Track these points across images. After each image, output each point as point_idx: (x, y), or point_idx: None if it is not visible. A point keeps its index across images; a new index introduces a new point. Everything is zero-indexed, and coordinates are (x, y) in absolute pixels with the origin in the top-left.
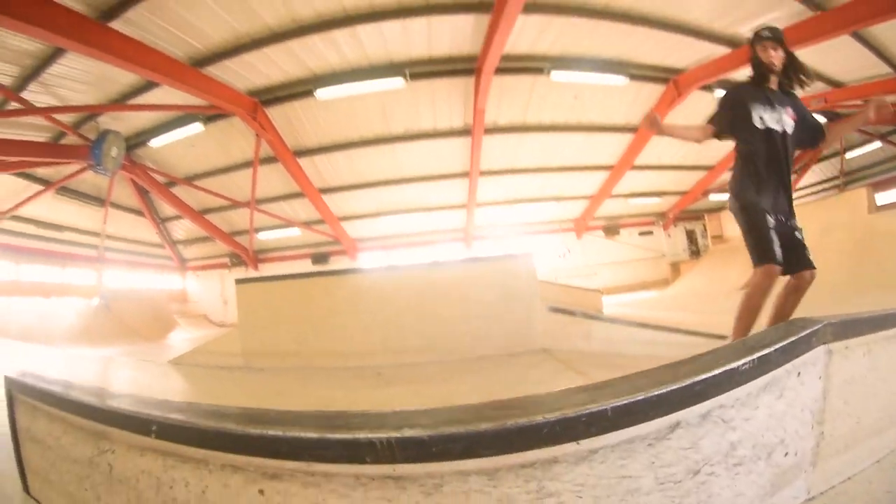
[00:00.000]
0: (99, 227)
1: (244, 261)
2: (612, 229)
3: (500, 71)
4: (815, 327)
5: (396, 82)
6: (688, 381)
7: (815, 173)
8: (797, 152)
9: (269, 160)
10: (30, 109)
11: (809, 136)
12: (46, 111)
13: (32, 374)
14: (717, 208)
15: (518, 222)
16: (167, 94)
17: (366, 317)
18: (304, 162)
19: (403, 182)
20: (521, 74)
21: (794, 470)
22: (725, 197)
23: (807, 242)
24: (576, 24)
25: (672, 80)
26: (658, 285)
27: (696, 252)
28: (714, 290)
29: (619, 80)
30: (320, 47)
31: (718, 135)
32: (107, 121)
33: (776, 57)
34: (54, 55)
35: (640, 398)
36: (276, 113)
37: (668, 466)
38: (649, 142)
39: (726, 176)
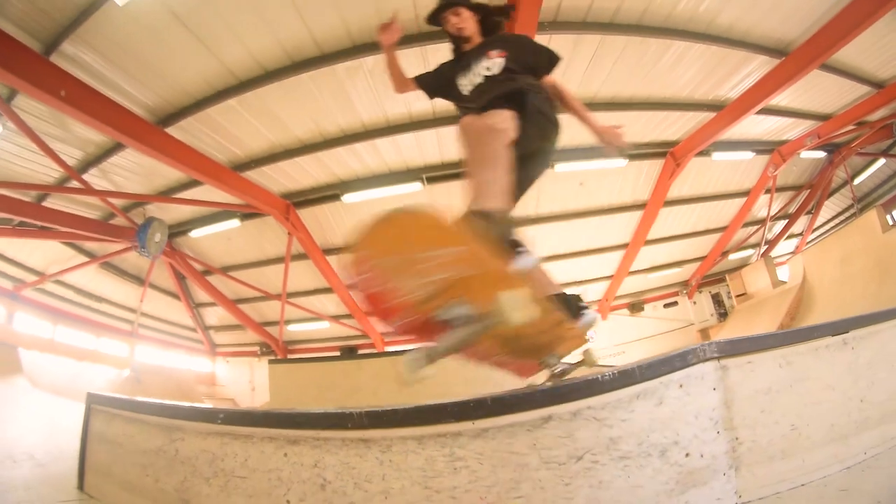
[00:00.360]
0: (136, 304)
1: (273, 350)
2: (636, 306)
3: None
4: (691, 349)
5: (415, 186)
6: (554, 386)
7: (829, 209)
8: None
9: (299, 256)
10: (88, 190)
11: (535, 57)
12: (102, 194)
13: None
14: (738, 266)
15: None
16: (209, 192)
17: (384, 395)
18: (332, 259)
19: None
20: None
21: (707, 471)
22: (744, 254)
23: (830, 276)
24: (568, 118)
25: (669, 152)
26: None
27: (724, 314)
28: None
29: (620, 163)
30: (344, 157)
31: (418, 87)
32: (153, 209)
33: (460, 21)
34: (115, 148)
35: (513, 393)
36: (306, 214)
37: (549, 449)
38: (659, 216)
39: (742, 234)
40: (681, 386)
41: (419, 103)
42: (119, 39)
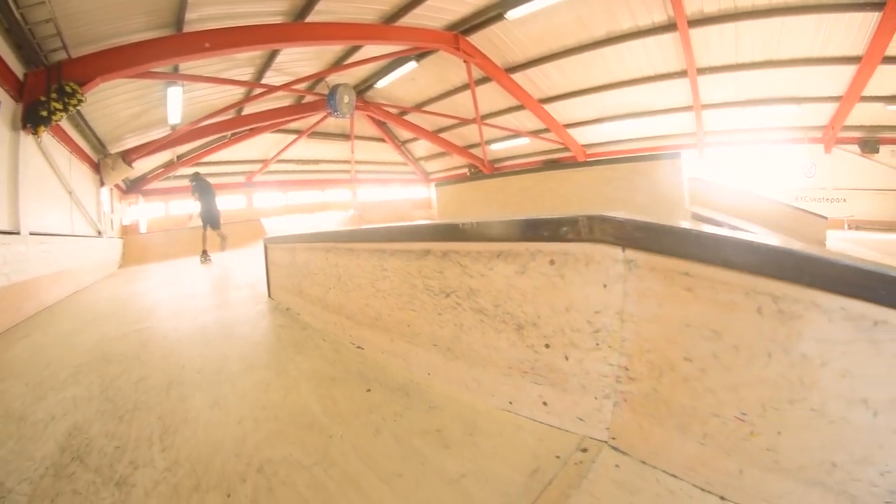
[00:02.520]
0: (349, 157)
1: (481, 169)
2: (869, 144)
3: None
4: (572, 217)
5: None
6: (434, 224)
7: None
8: None
9: (484, 80)
10: (271, 89)
11: None
12: (284, 87)
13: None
14: None
15: (753, 127)
16: (376, 47)
17: (529, 205)
18: (517, 77)
19: (619, 86)
20: None
21: (572, 380)
22: None
23: None
24: None
25: None
26: None
27: None
28: None
29: None
30: None
31: None
32: (334, 78)
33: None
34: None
35: (408, 226)
36: (478, 39)
37: (427, 278)
38: None
39: None
40: (552, 262)
41: None
42: None
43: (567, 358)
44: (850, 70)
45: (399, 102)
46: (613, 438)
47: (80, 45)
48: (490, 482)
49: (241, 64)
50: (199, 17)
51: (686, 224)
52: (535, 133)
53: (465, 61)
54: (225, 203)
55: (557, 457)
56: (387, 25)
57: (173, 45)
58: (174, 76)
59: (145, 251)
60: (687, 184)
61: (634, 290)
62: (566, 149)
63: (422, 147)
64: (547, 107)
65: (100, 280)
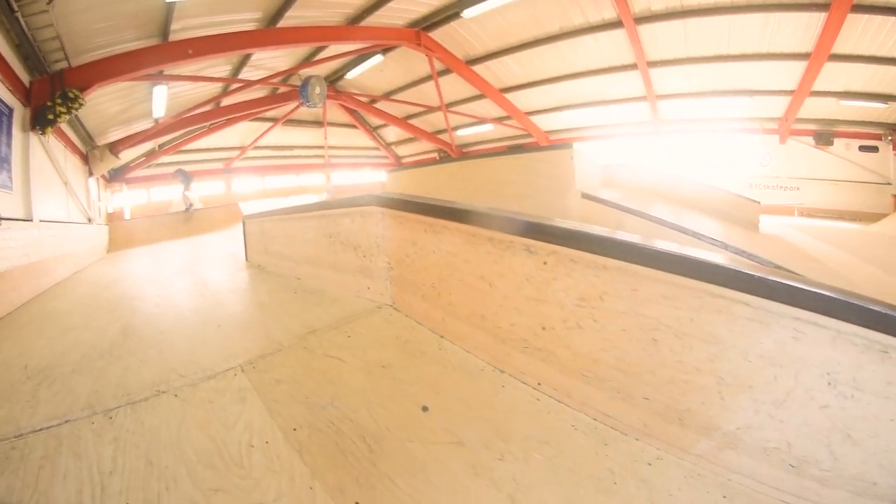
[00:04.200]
0: (322, 143)
1: (449, 154)
2: (823, 136)
3: None
4: (363, 196)
5: None
6: (324, 200)
7: None
8: None
9: (448, 71)
10: (248, 83)
11: None
12: (259, 81)
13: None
14: None
15: (709, 117)
16: (345, 45)
17: (455, 191)
18: (478, 68)
19: (574, 77)
20: None
21: (376, 272)
22: None
23: None
24: None
25: None
26: (872, 220)
27: None
28: None
29: None
30: None
31: None
32: (307, 70)
33: None
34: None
35: (313, 204)
36: (439, 34)
37: (324, 228)
38: (853, 23)
39: None
40: (361, 215)
41: None
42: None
43: (372, 261)
44: (800, 66)
45: (369, 91)
46: (393, 303)
47: (79, 54)
48: (334, 315)
49: (219, 63)
50: (183, 27)
51: (406, 197)
52: (498, 120)
53: (427, 56)
54: (205, 188)
55: (367, 310)
56: (352, 26)
57: (160, 53)
58: (160, 77)
59: (130, 236)
60: (579, 169)
61: (386, 225)
62: (529, 135)
63: (393, 133)
64: (508, 96)
65: (94, 263)
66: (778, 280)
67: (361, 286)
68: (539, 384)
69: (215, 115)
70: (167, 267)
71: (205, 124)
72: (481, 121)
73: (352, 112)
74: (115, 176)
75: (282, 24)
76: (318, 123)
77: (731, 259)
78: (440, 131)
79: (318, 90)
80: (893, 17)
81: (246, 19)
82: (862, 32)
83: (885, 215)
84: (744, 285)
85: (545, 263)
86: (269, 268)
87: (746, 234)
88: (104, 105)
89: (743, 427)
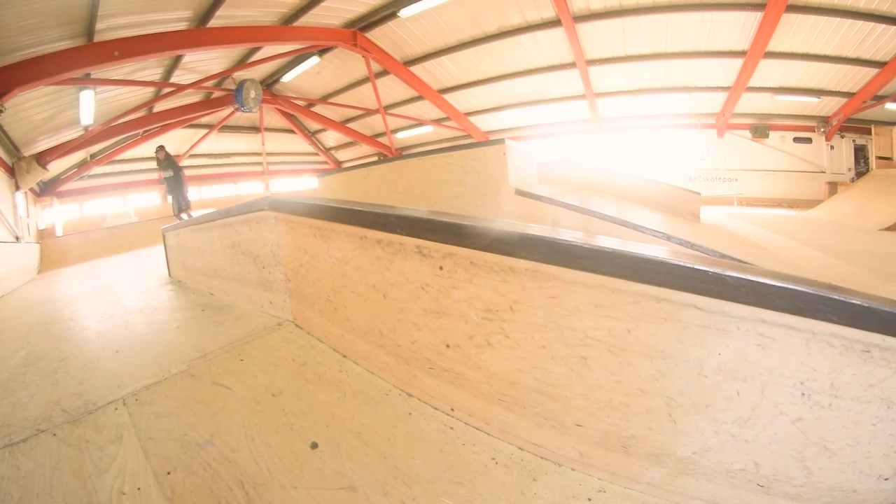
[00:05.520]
0: (260, 149)
1: (389, 157)
2: (759, 130)
3: None
4: (256, 201)
5: None
6: (230, 207)
7: None
8: None
9: (385, 73)
10: (180, 87)
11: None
12: (192, 86)
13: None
14: (892, 121)
15: (648, 114)
16: (279, 45)
17: (385, 193)
18: (416, 69)
19: (513, 76)
20: None
21: (275, 283)
22: None
23: None
24: None
25: None
26: (808, 207)
27: (864, 174)
28: (857, 223)
29: None
30: None
31: None
32: (242, 73)
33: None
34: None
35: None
36: (376, 34)
37: (226, 238)
38: (788, 23)
39: None
40: (256, 222)
41: None
42: None
43: (270, 273)
44: (736, 63)
45: (306, 95)
46: (294, 318)
47: (2, 55)
48: (232, 335)
49: (150, 65)
50: (108, 27)
51: (292, 198)
52: (438, 122)
53: (363, 56)
54: (138, 201)
55: (267, 327)
56: (286, 26)
57: (85, 54)
58: (86, 81)
59: (64, 254)
60: (512, 166)
61: (280, 232)
62: (469, 136)
63: (332, 137)
64: (447, 96)
65: (23, 285)
66: (738, 276)
67: (264, 300)
68: (452, 409)
69: (148, 121)
70: (93, 286)
71: (138, 132)
72: (420, 123)
73: (289, 116)
74: (45, 189)
75: (212, 23)
76: (255, 129)
77: (677, 254)
78: (379, 134)
79: (253, 94)
80: (825, 17)
81: (175, 18)
82: (796, 31)
83: (820, 201)
84: (694, 284)
85: (441, 268)
86: (188, 283)
87: (688, 225)
88: (29, 112)
89: (700, 451)
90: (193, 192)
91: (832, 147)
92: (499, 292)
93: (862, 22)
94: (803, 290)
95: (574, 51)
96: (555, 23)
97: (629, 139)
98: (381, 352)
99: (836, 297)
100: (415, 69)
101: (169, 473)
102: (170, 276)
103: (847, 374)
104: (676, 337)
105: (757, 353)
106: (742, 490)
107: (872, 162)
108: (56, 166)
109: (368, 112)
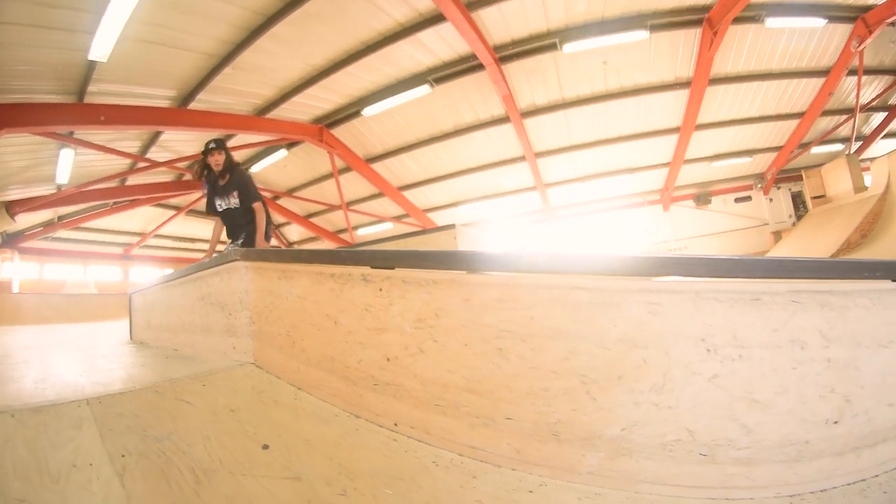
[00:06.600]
0: (224, 238)
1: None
2: (702, 197)
3: (514, 57)
4: (228, 253)
5: (423, 90)
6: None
7: None
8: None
9: (348, 169)
10: (154, 164)
11: (248, 194)
12: (166, 164)
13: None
14: (819, 163)
15: (598, 198)
16: (250, 135)
17: None
18: (377, 166)
19: (470, 172)
20: (537, 55)
21: (240, 328)
22: (833, 149)
23: None
24: None
25: (704, 19)
26: None
27: (803, 216)
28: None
29: (640, 35)
30: (355, 74)
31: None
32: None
33: (218, 160)
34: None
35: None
36: (341, 131)
37: (194, 292)
38: (713, 95)
39: (829, 123)
40: (227, 272)
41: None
42: (124, 66)
43: (236, 318)
44: (672, 139)
45: (272, 187)
46: (255, 360)
47: None
48: (199, 370)
49: (130, 137)
50: (100, 91)
51: (265, 249)
52: (397, 218)
53: (328, 152)
54: (100, 273)
55: (228, 366)
56: (259, 117)
57: (74, 112)
58: (69, 139)
59: (17, 312)
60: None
61: (249, 279)
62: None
63: (295, 231)
64: (406, 193)
65: None
66: (613, 255)
67: (228, 346)
68: (396, 424)
69: (120, 193)
70: (53, 341)
71: (108, 202)
72: (381, 219)
73: None
74: (7, 241)
75: (193, 105)
76: None
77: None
78: (341, 230)
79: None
80: (745, 83)
81: (160, 95)
82: (721, 101)
83: (767, 251)
84: (576, 267)
85: (381, 290)
86: (151, 342)
87: None
88: (7, 157)
89: (628, 427)
90: (155, 273)
91: (771, 199)
92: (425, 303)
93: (777, 81)
94: (677, 258)
95: (523, 144)
96: (505, 119)
97: (582, 224)
98: (332, 377)
99: (709, 257)
100: (376, 166)
101: (123, 456)
102: (131, 338)
103: (745, 323)
104: (571, 317)
105: (650, 319)
106: (686, 463)
107: (809, 204)
108: (23, 220)
109: (331, 208)
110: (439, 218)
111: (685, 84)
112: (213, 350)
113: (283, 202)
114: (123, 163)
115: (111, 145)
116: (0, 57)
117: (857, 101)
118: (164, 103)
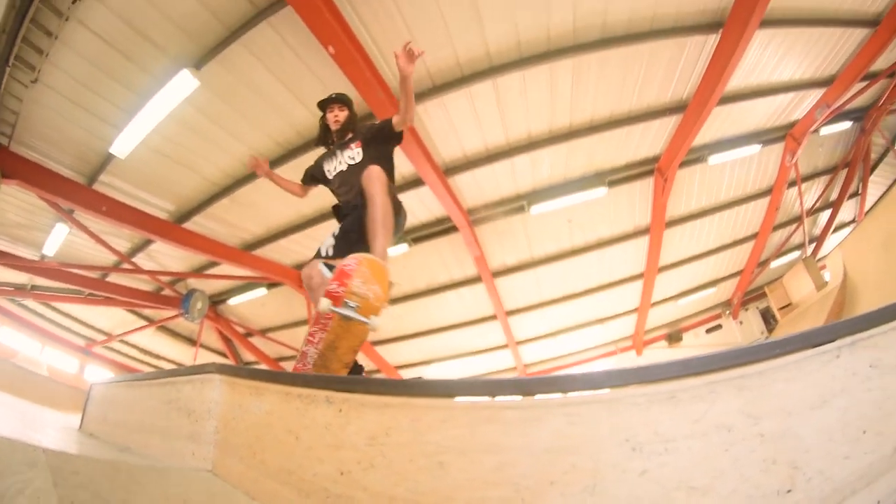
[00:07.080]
0: (189, 362)
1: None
2: (674, 336)
3: (486, 219)
4: (201, 365)
5: (402, 248)
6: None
7: (879, 185)
8: None
9: None
10: (138, 270)
11: (381, 132)
12: (149, 273)
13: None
14: (778, 276)
15: (570, 352)
16: (235, 267)
17: None
18: None
19: (442, 330)
20: (507, 217)
21: (203, 435)
22: (791, 258)
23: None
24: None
25: (655, 168)
26: None
27: (774, 329)
28: None
29: (599, 192)
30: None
31: (307, 184)
32: (194, 281)
33: (338, 117)
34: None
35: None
36: None
37: (188, 403)
38: (670, 237)
39: (781, 236)
40: (201, 382)
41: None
42: (136, 168)
43: (202, 426)
44: (637, 285)
45: (247, 323)
46: (213, 468)
47: (21, 144)
48: (152, 465)
49: (122, 236)
50: (109, 183)
51: (242, 367)
52: (368, 373)
53: (306, 299)
54: (56, 358)
55: (186, 470)
56: (245, 252)
57: (81, 192)
58: (68, 216)
59: None
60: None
61: (221, 391)
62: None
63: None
64: (378, 349)
65: None
66: (533, 378)
67: (187, 451)
68: None
69: (98, 285)
70: None
71: (84, 291)
72: None
73: (226, 340)
74: None
75: (187, 225)
76: (190, 341)
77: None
78: None
79: (199, 305)
80: (698, 220)
81: (160, 206)
82: (679, 241)
83: None
84: (502, 390)
85: (340, 410)
86: (103, 436)
87: None
88: (6, 206)
89: None
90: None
91: (741, 322)
92: (378, 423)
93: (727, 210)
94: (573, 375)
95: (495, 304)
96: (477, 279)
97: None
98: (286, 488)
99: (617, 369)
100: None
101: None
102: (80, 429)
103: (663, 420)
104: (503, 432)
105: (570, 429)
106: None
107: (778, 315)
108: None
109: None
110: (407, 375)
111: (644, 231)
112: (169, 454)
113: (255, 340)
114: (109, 258)
115: (103, 237)
116: (34, 113)
117: (801, 208)
118: (163, 215)
